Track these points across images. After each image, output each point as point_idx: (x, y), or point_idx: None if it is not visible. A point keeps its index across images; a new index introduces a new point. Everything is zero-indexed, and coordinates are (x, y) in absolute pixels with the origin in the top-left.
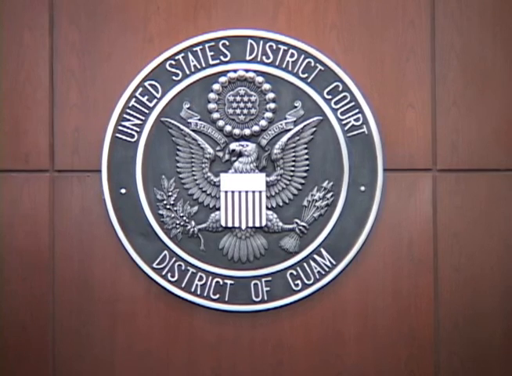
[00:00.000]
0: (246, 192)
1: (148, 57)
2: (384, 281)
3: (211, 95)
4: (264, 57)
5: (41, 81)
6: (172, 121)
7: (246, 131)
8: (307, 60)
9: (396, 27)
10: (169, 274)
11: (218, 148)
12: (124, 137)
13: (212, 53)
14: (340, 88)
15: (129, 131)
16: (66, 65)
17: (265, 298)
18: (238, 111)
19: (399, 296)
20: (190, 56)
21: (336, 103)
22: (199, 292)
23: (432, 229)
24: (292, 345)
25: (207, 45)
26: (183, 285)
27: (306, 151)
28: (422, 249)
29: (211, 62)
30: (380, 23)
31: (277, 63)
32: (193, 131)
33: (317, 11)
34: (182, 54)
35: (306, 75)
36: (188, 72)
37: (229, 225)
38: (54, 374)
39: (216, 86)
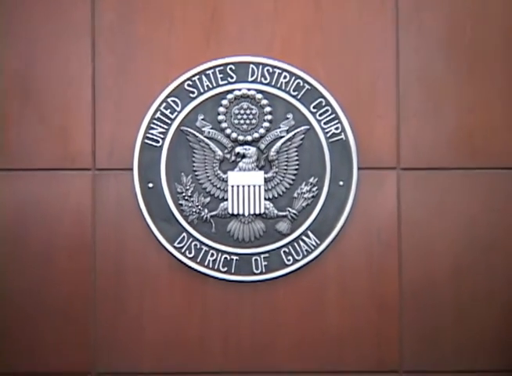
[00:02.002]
0: (249, 186)
1: (170, 79)
2: (358, 258)
3: (220, 109)
4: (262, 78)
5: (84, 98)
6: (189, 130)
7: (248, 138)
8: (296, 81)
9: (368, 54)
10: (187, 251)
11: (226, 151)
12: (151, 142)
13: (221, 75)
14: (323, 103)
15: (155, 137)
16: (105, 84)
17: (263, 270)
18: (242, 122)
19: (370, 270)
20: (204, 78)
21: (320, 115)
22: (210, 266)
23: (396, 217)
24: (285, 308)
25: (217, 69)
26: (198, 260)
27: (296, 154)
28: (388, 233)
29: (220, 82)
30: (355, 50)
31: (273, 83)
32: (206, 137)
33: (305, 41)
34: (197, 76)
35: (296, 93)
36: (202, 90)
37: (235, 212)
38: (95, 334)
39: (224, 102)
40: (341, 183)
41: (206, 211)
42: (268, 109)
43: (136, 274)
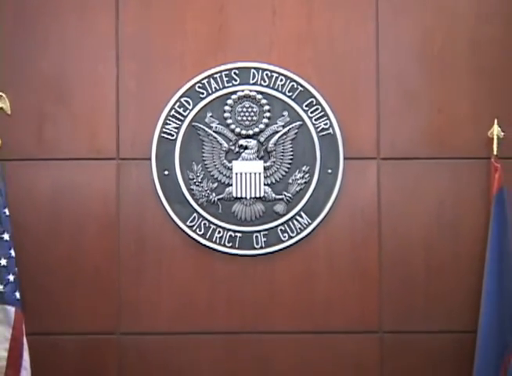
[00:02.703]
0: (250, 173)
1: (183, 81)
2: (344, 235)
3: (226, 107)
4: (262, 81)
5: (109, 98)
6: (199, 125)
7: (250, 132)
8: (291, 83)
9: (352, 60)
10: (197, 229)
11: (230, 143)
12: (166, 136)
13: (227, 79)
14: (314, 103)
15: (170, 131)
16: (127, 86)
17: (263, 245)
18: (244, 118)
19: (354, 245)
20: (211, 81)
21: (311, 112)
22: (217, 242)
23: (377, 200)
24: (281, 278)
25: (223, 73)
26: (207, 237)
27: (291, 145)
28: (370, 213)
29: (226, 84)
30: (341, 57)
31: (271, 86)
32: (214, 132)
33: (298, 49)
34: (206, 79)
35: (291, 94)
36: (210, 91)
37: (238, 196)
38: (119, 299)
39: (229, 101)
40: (329, 171)
41: (213, 194)
42: (266, 107)
43: (154, 249)
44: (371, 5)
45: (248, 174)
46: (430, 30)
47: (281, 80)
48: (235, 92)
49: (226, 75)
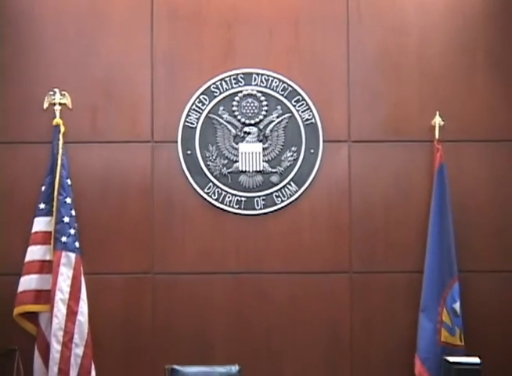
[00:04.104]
0: (252, 152)
1: (201, 83)
2: (322, 200)
3: (234, 103)
4: (261, 83)
5: (146, 96)
6: (214, 116)
7: (252, 121)
8: (283, 85)
9: (329, 67)
10: (212, 195)
11: (237, 130)
12: (189, 124)
13: (234, 81)
14: (301, 99)
15: (192, 121)
16: (159, 87)
17: (262, 207)
18: (248, 111)
19: (330, 206)
20: (223, 83)
21: (298, 107)
22: (228, 204)
23: (348, 173)
24: (276, 232)
25: (231, 77)
26: (220, 201)
27: (283, 132)
28: (342, 183)
29: (234, 85)
30: (321, 65)
31: (268, 86)
32: (225, 121)
33: (288, 58)
34: (219, 82)
35: (283, 92)
36: (222, 91)
37: (244, 170)
38: (154, 246)
39: (236, 98)
40: (312, 151)
41: (224, 169)
42: (264, 103)
43: (180, 209)
44: (343, 25)
45: (251, 153)
46: (387, 45)
47: (275, 82)
48: (240, 91)
49: (234, 78)
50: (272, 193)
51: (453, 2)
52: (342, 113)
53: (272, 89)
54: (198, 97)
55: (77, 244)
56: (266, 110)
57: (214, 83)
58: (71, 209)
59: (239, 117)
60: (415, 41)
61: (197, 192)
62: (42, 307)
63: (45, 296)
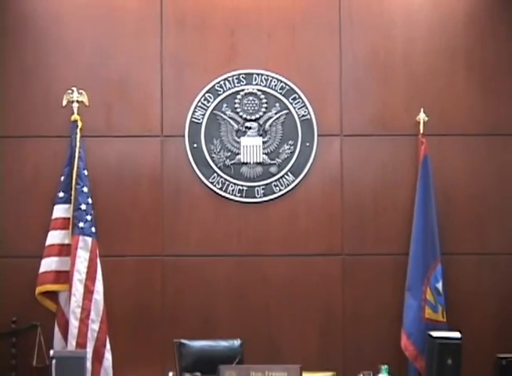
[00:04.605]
0: (253, 146)
1: (206, 82)
2: (317, 189)
3: (236, 100)
4: (261, 82)
5: (156, 94)
6: (218, 113)
7: (253, 117)
8: (281, 84)
9: (323, 68)
10: (217, 185)
11: (239, 125)
12: (195, 120)
13: (236, 80)
14: (297, 97)
15: (198, 117)
16: (168, 86)
17: (262, 195)
18: (249, 108)
19: (324, 195)
20: (226, 82)
21: (295, 104)
22: (231, 193)
23: (340, 164)
24: (274, 218)
25: (234, 77)
26: (223, 190)
27: (281, 127)
28: (335, 173)
29: (236, 85)
30: (315, 66)
31: (267, 86)
32: (228, 117)
33: (286, 60)
34: (222, 81)
35: (281, 91)
36: (225, 89)
37: (245, 161)
38: (163, 230)
39: (239, 96)
40: (307, 144)
41: (228, 160)
42: (264, 100)
43: (187, 198)
44: (336, 30)
45: (251, 146)
46: (376, 47)
47: (274, 82)
48: (242, 90)
49: (236, 78)
50: (271, 182)
51: (436, 9)
52: (335, 109)
53: (271, 88)
54: (203, 95)
55: (93, 229)
56: (266, 107)
57: (218, 82)
58: (88, 197)
59: (241, 114)
60: (401, 45)
61: (203, 182)
62: (62, 286)
63: (64, 276)
